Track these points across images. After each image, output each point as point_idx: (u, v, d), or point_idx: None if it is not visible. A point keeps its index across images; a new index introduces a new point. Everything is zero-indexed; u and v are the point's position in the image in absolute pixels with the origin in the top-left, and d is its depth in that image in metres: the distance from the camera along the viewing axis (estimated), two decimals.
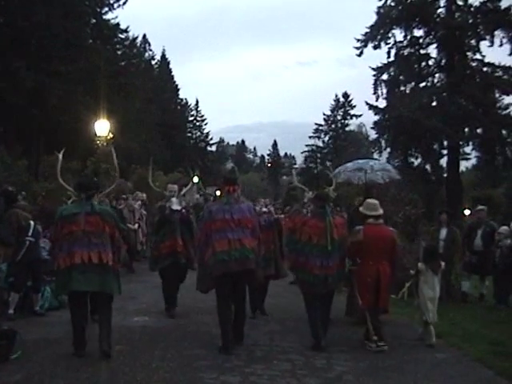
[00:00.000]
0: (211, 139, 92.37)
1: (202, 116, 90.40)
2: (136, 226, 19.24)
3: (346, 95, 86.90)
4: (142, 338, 9.48)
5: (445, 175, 38.26)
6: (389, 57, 38.43)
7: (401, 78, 38.92)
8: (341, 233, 9.14)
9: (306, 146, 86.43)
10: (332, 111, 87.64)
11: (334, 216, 9.39)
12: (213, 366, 7.92)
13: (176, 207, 11.20)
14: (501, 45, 35.48)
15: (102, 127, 26.28)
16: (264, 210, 11.60)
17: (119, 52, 46.00)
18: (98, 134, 26.15)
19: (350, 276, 9.67)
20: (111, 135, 27.02)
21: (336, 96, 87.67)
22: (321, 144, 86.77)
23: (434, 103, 37.28)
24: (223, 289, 8.81)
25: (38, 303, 11.32)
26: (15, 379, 7.24)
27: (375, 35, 38.21)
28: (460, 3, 36.13)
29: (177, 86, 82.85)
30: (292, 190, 12.08)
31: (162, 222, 11.23)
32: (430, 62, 37.84)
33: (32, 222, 11.19)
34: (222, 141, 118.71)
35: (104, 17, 41.04)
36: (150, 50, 76.65)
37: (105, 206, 9.76)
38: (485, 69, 36.60)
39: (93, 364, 7.90)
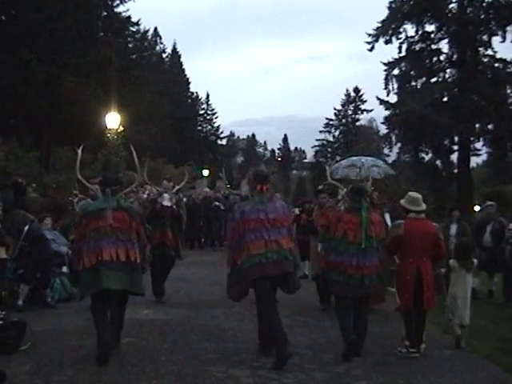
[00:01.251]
0: (222, 133, 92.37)
1: (213, 110, 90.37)
2: None
3: (356, 90, 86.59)
4: (151, 331, 9.54)
5: (455, 171, 38.18)
6: (400, 52, 38.39)
7: (412, 73, 38.83)
8: (379, 231, 8.62)
9: (317, 140, 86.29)
10: (343, 106, 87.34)
11: (372, 212, 8.81)
12: (221, 360, 7.95)
13: (167, 203, 11.86)
14: None
15: (113, 120, 26.34)
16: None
17: (130, 45, 46.01)
18: (108, 127, 26.21)
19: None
20: (122, 128, 27.07)
21: (347, 91, 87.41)
22: (331, 139, 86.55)
23: (445, 99, 37.21)
24: (263, 289, 8.06)
25: (49, 295, 11.39)
26: (24, 370, 7.28)
27: (387, 30, 38.10)
28: None
29: (188, 79, 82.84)
30: (328, 187, 11.92)
31: (152, 216, 11.51)
32: (442, 58, 37.74)
33: (26, 227, 11.13)
34: (232, 134, 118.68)
35: (115, 10, 41.05)
36: (161, 44, 76.80)
37: (129, 203, 9.77)
38: (496, 64, 36.51)
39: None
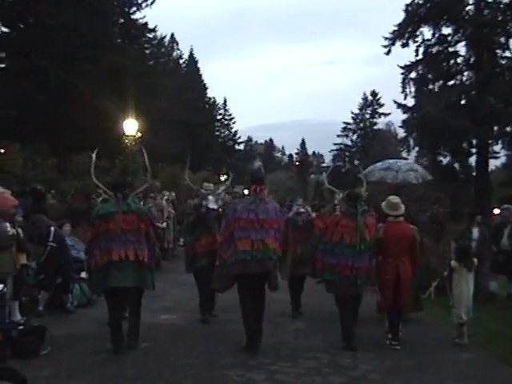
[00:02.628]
0: (239, 138, 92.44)
1: (230, 115, 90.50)
2: (164, 224, 19.35)
3: (374, 94, 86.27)
4: (169, 336, 9.60)
5: (473, 174, 37.97)
6: (417, 55, 38.15)
7: (429, 76, 38.61)
8: (372, 234, 9.13)
9: (334, 144, 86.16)
10: (360, 110, 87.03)
11: (367, 216, 9.29)
12: (238, 364, 8.00)
13: (213, 206, 10.82)
14: None
15: (131, 126, 26.43)
16: (302, 210, 11.55)
17: (147, 51, 46.27)
18: (126, 133, 26.32)
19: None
20: (139, 134, 27.18)
21: (364, 94, 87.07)
22: (349, 143, 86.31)
23: (463, 101, 36.96)
24: (244, 288, 8.77)
25: (69, 301, 11.49)
26: (44, 374, 7.38)
27: (403, 33, 37.94)
28: (489, 0, 35.79)
29: (205, 84, 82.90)
30: (323, 191, 12.05)
31: (197, 221, 10.85)
32: (459, 60, 37.53)
33: (52, 228, 11.31)
34: (250, 139, 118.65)
35: (132, 16, 41.32)
36: (178, 50, 76.93)
37: (140, 205, 9.93)
38: None
39: (119, 360, 8.03)
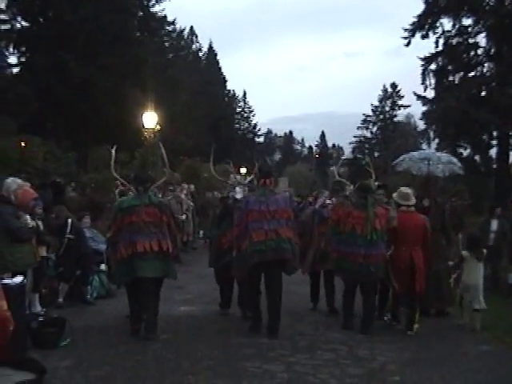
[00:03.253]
0: (259, 130, 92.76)
1: (250, 107, 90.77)
2: (184, 216, 19.39)
3: (394, 86, 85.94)
4: (188, 328, 9.64)
5: (494, 166, 37.69)
6: (437, 46, 37.82)
7: (449, 67, 38.30)
8: (383, 224, 9.46)
9: (354, 136, 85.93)
10: (380, 102, 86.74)
11: (377, 206, 9.66)
12: (257, 355, 8.01)
13: (240, 197, 10.14)
14: None
15: (150, 119, 26.47)
16: (328, 202, 11.48)
17: (166, 44, 46.36)
18: (145, 126, 26.38)
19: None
20: (159, 127, 27.23)
21: (384, 86, 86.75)
22: (369, 135, 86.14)
23: (483, 93, 36.67)
24: (255, 276, 9.22)
25: (89, 292, 11.58)
26: (64, 365, 7.43)
27: (423, 24, 37.65)
28: None
29: (224, 77, 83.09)
30: (335, 184, 11.95)
31: (224, 214, 10.54)
32: (479, 52, 37.14)
33: (70, 220, 11.42)
34: (269, 132, 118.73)
35: (151, 9, 41.37)
36: (197, 42, 77.26)
37: (160, 198, 10.09)
38: None
39: (139, 352, 8.08)
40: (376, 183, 11.00)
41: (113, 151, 10.17)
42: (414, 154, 13.09)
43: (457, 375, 7.47)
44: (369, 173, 11.04)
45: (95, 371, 7.23)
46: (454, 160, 12.87)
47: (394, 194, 10.11)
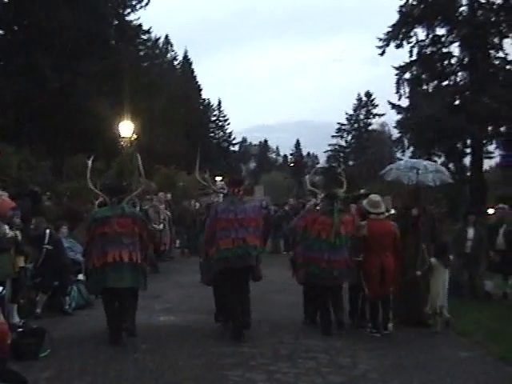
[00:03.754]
0: (234, 139, 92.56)
1: (225, 116, 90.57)
2: (161, 226, 19.35)
3: (368, 94, 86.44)
4: (168, 337, 9.62)
5: (468, 174, 38.01)
6: (411, 56, 38.10)
7: (423, 76, 38.58)
8: (349, 230, 9.84)
9: (329, 145, 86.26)
10: (354, 110, 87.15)
11: (343, 214, 10.02)
12: (238, 364, 8.01)
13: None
14: None
15: (126, 128, 26.41)
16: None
17: (142, 53, 46.21)
18: (122, 135, 26.30)
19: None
20: (135, 136, 27.15)
21: (358, 95, 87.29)
22: (343, 143, 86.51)
23: (457, 102, 36.97)
24: (226, 281, 9.36)
25: (67, 303, 11.50)
26: (45, 376, 7.39)
27: (397, 34, 37.92)
28: (482, 1, 35.76)
29: (199, 86, 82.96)
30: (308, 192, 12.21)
31: None
32: (453, 61, 37.48)
33: (48, 231, 11.38)
34: (244, 140, 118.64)
35: (126, 18, 41.26)
36: (173, 51, 76.88)
37: (133, 209, 10.07)
38: (508, 67, 36.19)
39: (120, 361, 8.05)
40: (361, 191, 11.23)
41: (89, 162, 10.14)
42: (401, 163, 13.03)
43: (438, 381, 7.52)
44: (341, 182, 11.19)
45: (76, 381, 7.21)
46: (442, 168, 12.93)
47: (364, 202, 10.34)
